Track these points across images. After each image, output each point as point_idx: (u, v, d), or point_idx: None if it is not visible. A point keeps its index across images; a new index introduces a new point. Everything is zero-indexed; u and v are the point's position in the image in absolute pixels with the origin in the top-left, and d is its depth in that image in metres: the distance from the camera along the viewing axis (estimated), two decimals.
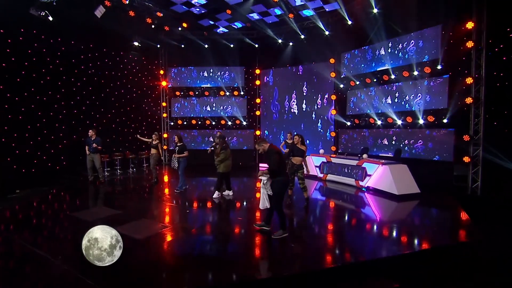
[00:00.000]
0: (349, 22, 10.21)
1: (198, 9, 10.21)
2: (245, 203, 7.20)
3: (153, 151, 9.42)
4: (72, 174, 10.76)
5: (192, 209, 6.76)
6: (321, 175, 9.79)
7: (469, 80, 7.91)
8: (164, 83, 14.00)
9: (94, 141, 9.07)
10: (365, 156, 8.66)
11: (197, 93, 13.73)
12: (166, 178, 10.78)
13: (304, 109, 12.71)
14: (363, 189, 8.34)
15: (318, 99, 12.22)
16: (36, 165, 10.08)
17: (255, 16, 10.82)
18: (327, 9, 9.96)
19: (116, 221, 5.46)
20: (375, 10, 9.34)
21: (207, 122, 13.83)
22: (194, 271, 3.72)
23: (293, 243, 4.59)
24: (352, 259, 4.10)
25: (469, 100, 7.91)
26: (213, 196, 7.37)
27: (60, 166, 10.84)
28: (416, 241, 4.78)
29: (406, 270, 3.97)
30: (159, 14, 10.38)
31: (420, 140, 8.99)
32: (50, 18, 9.45)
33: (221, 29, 12.01)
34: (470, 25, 7.79)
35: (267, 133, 13.81)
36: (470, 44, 7.85)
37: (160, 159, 9.57)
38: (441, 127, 8.54)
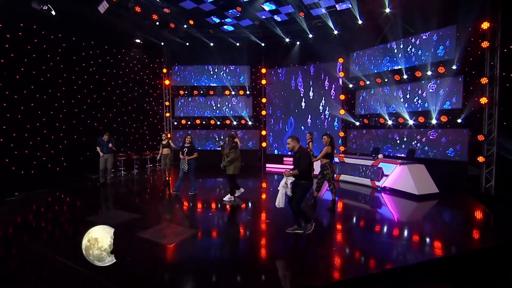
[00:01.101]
0: (360, 22, 10.14)
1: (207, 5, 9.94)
2: (266, 205, 7.01)
3: (165, 151, 9.16)
4: (73, 176, 10.36)
5: (214, 212, 6.48)
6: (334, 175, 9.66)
7: (484, 80, 7.93)
8: (167, 82, 13.66)
9: (107, 142, 8.77)
10: (380, 156, 8.58)
11: (201, 92, 13.43)
12: (171, 179, 10.45)
13: (311, 97, 12.50)
14: (378, 189, 8.27)
15: (325, 81, 12.12)
16: (35, 166, 9.68)
17: (264, 14, 10.61)
18: (338, 8, 9.85)
19: (138, 225, 5.18)
20: (387, 10, 9.30)
21: (212, 121, 13.55)
22: (231, 277, 3.52)
23: (334, 247, 4.45)
24: (403, 262, 3.95)
25: (484, 100, 7.94)
26: (224, 199, 7.00)
27: (61, 167, 10.43)
28: (461, 242, 4.69)
29: (458, 272, 3.86)
30: (166, 10, 10.06)
31: (433, 129, 9.00)
32: (53, 13, 9.04)
33: (228, 27, 11.75)
34: (485, 25, 7.81)
35: (272, 121, 13.55)
36: (485, 44, 7.87)
37: (171, 159, 9.28)
38: (455, 127, 8.56)
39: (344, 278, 3.49)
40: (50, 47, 10.10)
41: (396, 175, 7.81)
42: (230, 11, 10.33)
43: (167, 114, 13.75)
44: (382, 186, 8.15)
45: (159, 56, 13.73)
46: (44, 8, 8.79)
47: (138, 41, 12.20)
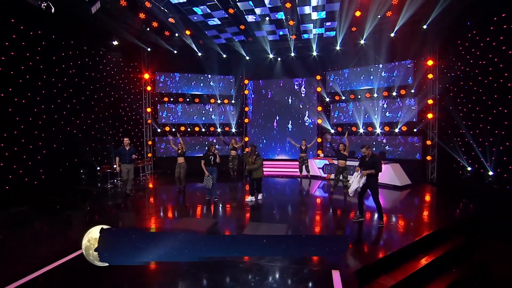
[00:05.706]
0: (338, 48, 12.33)
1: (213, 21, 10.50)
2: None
3: (180, 159, 9.22)
4: (55, 189, 9.25)
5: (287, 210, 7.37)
6: (325, 175, 11.53)
7: (430, 101, 11.07)
8: (149, 88, 13.23)
9: (129, 152, 8.41)
10: None
11: (187, 99, 13.53)
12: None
13: (291, 107, 14.04)
14: None
15: (304, 93, 13.97)
16: (11, 181, 8.44)
17: (261, 33, 11.71)
18: (324, 35, 11.81)
19: (234, 226, 5.74)
20: (362, 41, 11.73)
21: (196, 129, 13.77)
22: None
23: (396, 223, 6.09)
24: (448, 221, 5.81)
25: (430, 115, 11.07)
26: (247, 200, 7.97)
27: (39, 180, 9.28)
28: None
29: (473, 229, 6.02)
30: (172, 20, 10.11)
31: (396, 136, 11.81)
32: (53, 10, 8.09)
33: (221, 40, 12.38)
34: (430, 62, 10.95)
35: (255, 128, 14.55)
36: (430, 76, 11.02)
37: (185, 168, 9.36)
38: (413, 135, 11.53)
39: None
40: (29, 44, 9.00)
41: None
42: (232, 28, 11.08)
43: (149, 121, 13.28)
44: None
45: (144, 62, 13.21)
46: (43, 5, 7.79)
47: (115, 43, 11.52)
